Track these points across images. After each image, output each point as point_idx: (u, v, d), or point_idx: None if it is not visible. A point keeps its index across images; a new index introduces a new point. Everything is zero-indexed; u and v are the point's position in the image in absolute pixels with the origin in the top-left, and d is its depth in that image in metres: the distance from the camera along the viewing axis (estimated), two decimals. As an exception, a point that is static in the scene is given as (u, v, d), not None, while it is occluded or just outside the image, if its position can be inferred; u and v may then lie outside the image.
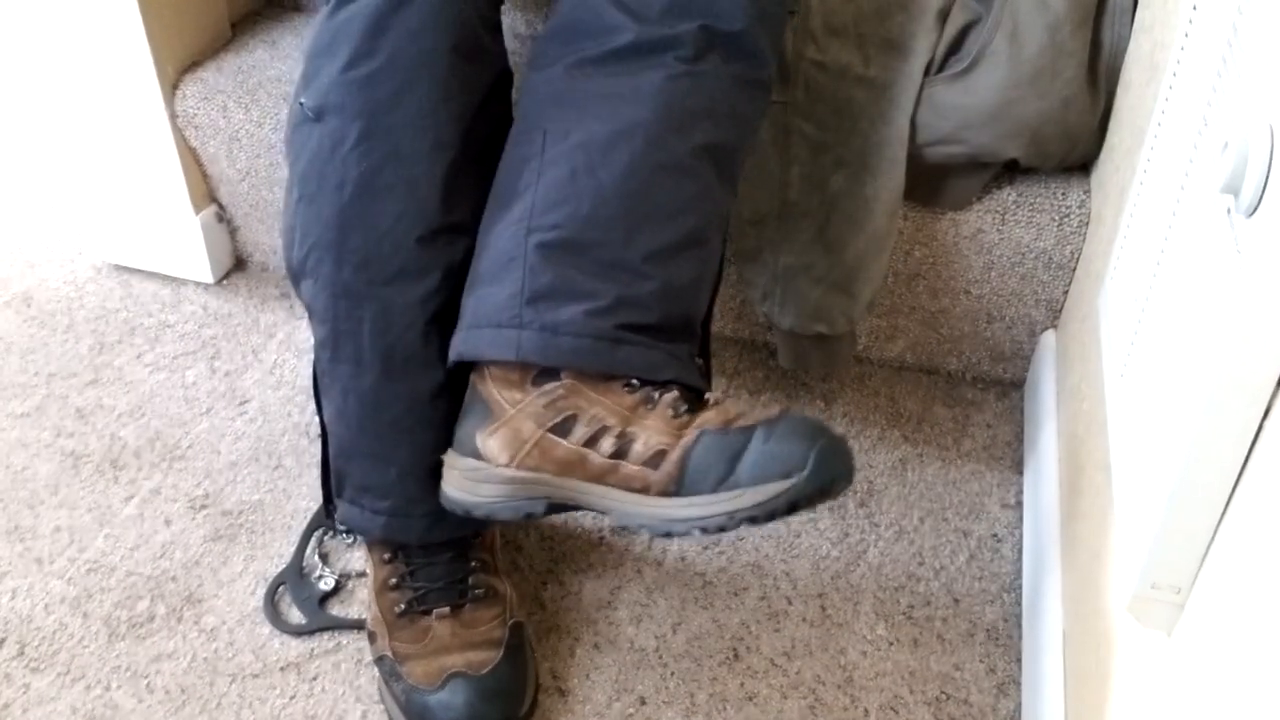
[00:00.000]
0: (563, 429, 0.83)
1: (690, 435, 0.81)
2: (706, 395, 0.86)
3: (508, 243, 0.85)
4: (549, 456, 0.83)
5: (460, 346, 0.86)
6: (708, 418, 0.82)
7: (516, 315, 0.83)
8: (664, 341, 0.85)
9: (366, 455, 0.94)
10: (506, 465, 0.84)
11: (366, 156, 0.86)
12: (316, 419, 0.98)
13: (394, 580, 0.96)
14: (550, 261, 0.83)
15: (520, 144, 0.89)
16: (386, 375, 0.90)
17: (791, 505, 0.79)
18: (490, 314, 0.84)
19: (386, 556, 0.97)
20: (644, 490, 0.81)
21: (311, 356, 0.96)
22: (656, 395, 0.83)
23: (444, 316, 0.89)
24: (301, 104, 0.90)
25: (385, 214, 0.87)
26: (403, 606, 0.95)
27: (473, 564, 0.96)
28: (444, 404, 0.91)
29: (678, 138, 0.86)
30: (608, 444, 0.82)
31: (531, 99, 0.90)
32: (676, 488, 0.80)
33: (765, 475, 0.79)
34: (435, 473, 0.92)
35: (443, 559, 0.95)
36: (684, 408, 0.83)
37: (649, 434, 0.82)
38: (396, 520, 0.94)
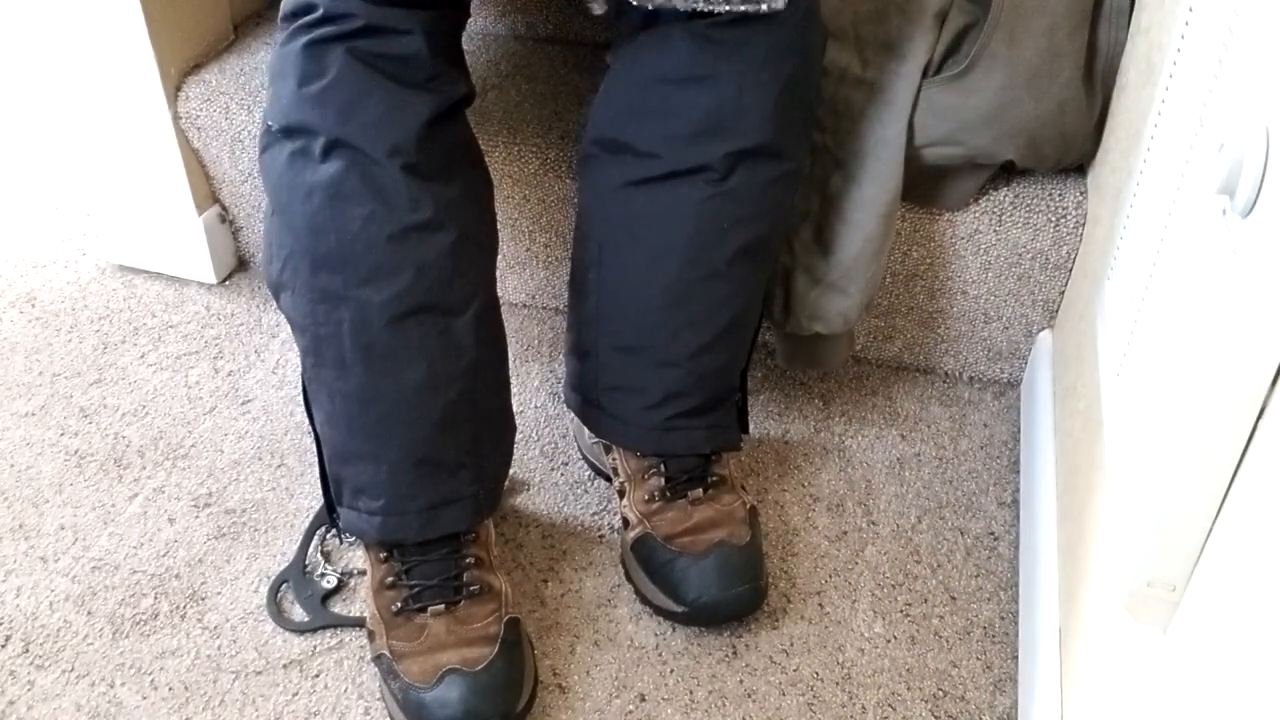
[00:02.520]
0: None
1: (635, 532, 1.04)
2: (710, 475, 1.04)
3: (584, 336, 1.06)
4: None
5: (568, 401, 1.12)
6: (668, 519, 1.03)
7: (596, 398, 1.07)
8: (707, 413, 1.04)
9: (358, 456, 0.94)
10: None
11: (331, 165, 0.89)
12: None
13: (389, 579, 0.96)
14: (614, 360, 1.04)
15: (583, 249, 1.05)
16: (369, 373, 0.91)
17: (668, 615, 1.02)
18: (579, 388, 1.09)
19: (383, 555, 0.97)
20: (625, 528, 1.07)
21: (313, 358, 0.97)
22: (651, 472, 1.05)
23: (421, 311, 0.91)
24: (269, 125, 0.92)
25: (354, 217, 0.89)
26: (398, 605, 0.95)
27: (467, 560, 0.96)
28: (429, 398, 0.92)
29: (712, 251, 0.99)
30: (615, 486, 1.10)
31: (592, 211, 1.04)
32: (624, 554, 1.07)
33: (662, 589, 1.01)
34: (427, 467, 0.94)
35: (437, 556, 0.96)
36: (665, 496, 1.04)
37: (628, 500, 1.06)
38: (392, 519, 0.95)
